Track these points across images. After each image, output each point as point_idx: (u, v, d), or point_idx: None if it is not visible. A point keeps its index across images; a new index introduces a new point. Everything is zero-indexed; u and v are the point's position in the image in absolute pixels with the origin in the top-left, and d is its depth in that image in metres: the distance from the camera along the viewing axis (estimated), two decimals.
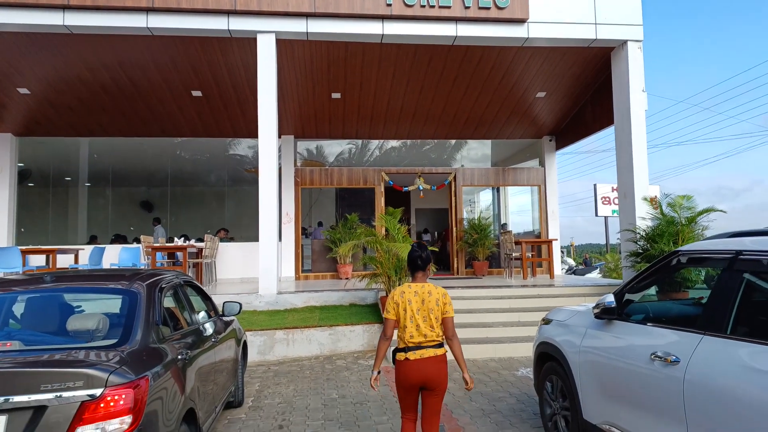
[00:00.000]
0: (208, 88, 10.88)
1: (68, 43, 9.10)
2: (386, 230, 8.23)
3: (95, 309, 3.70)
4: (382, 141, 15.19)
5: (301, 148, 14.83)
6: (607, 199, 30.64)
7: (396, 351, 3.41)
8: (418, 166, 13.77)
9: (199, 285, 5.09)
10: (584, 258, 31.15)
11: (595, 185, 30.55)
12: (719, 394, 2.47)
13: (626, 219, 9.56)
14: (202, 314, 4.81)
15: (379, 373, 3.49)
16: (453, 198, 13.43)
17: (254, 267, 11.17)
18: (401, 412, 3.47)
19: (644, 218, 8.65)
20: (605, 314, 3.45)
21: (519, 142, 14.54)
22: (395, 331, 3.43)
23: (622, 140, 9.82)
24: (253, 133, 10.36)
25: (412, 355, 3.30)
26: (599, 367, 3.48)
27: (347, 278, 11.66)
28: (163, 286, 3.77)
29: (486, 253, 12.81)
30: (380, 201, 13.01)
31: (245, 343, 5.92)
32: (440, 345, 3.36)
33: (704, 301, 3.83)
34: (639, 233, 8.58)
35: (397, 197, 14.17)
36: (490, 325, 8.06)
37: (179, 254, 11.06)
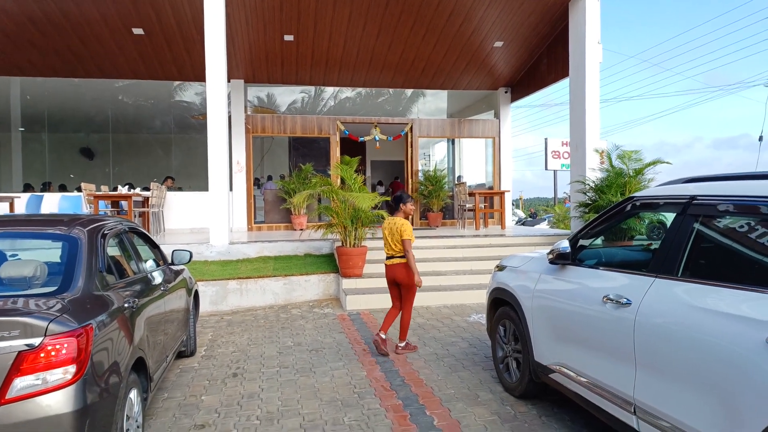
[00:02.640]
0: (149, 26, 10.15)
1: None
2: (342, 180, 8.08)
3: (32, 256, 3.46)
4: (336, 90, 14.81)
5: (251, 95, 14.26)
6: (557, 153, 31.28)
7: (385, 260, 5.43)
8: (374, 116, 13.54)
9: (146, 233, 4.86)
10: (530, 212, 32.07)
11: (546, 139, 31.10)
12: (667, 334, 2.56)
13: (577, 171, 9.76)
14: (150, 263, 4.62)
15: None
16: (409, 149, 13.34)
17: (204, 217, 10.88)
18: (391, 300, 5.53)
19: (594, 169, 8.85)
20: (559, 259, 3.50)
21: (475, 94, 14.47)
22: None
23: (576, 92, 9.90)
24: (199, 76, 9.81)
25: (387, 262, 5.37)
26: (552, 310, 3.57)
27: (302, 229, 11.52)
28: (106, 232, 3.55)
29: (440, 204, 12.90)
30: (335, 151, 12.77)
31: (197, 292, 5.76)
32: (402, 256, 5.23)
33: (654, 246, 3.96)
34: (589, 184, 8.80)
35: (353, 148, 13.95)
36: (443, 274, 8.18)
37: (124, 203, 10.57)
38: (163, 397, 4.31)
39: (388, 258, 5.34)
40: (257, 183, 13.48)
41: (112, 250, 3.83)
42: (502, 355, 4.39)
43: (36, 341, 2.42)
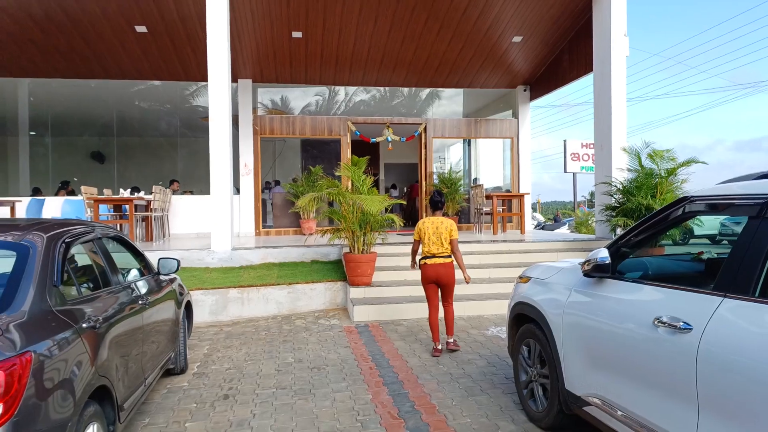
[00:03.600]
0: (152, 23, 9.79)
1: None
2: (352, 182, 7.60)
3: None
4: (350, 94, 14.30)
5: (265, 98, 13.87)
6: (577, 155, 30.50)
7: (421, 259, 5.34)
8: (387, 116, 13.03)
9: (128, 240, 4.40)
10: (555, 215, 31.22)
11: (565, 141, 30.32)
12: (743, 370, 2.00)
13: (602, 171, 9.15)
14: (133, 273, 4.18)
15: (415, 263, 5.59)
16: (423, 150, 12.81)
17: (210, 222, 10.48)
18: (427, 301, 5.44)
19: (622, 170, 8.21)
20: (596, 272, 2.94)
21: (492, 93, 13.88)
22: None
23: (601, 88, 9.30)
24: (206, 76, 9.41)
25: (429, 261, 5.25)
26: (587, 331, 3.01)
27: (310, 234, 11.05)
28: (68, 239, 3.08)
29: (456, 207, 12.33)
30: (346, 152, 12.29)
31: (189, 304, 5.30)
32: (447, 256, 5.27)
33: (707, 256, 3.39)
34: (616, 186, 8.18)
35: (365, 150, 13.42)
36: (458, 282, 7.59)
37: (127, 207, 10.20)
38: (143, 422, 3.84)
39: (428, 257, 5.27)
40: (268, 186, 13.06)
41: (81, 260, 3.38)
42: (526, 379, 3.83)
43: None
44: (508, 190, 13.27)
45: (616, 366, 2.75)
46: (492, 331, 6.24)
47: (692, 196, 2.58)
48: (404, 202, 8.54)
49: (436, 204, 5.48)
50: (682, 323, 2.30)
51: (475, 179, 13.84)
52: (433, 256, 5.22)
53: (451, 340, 5.38)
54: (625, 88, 9.09)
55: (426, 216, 5.44)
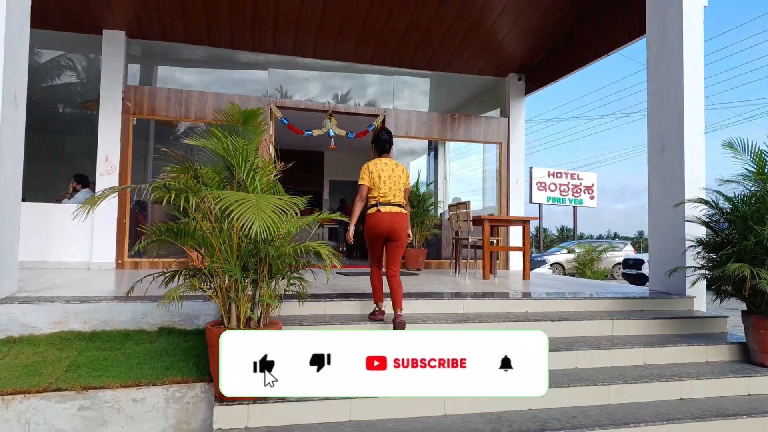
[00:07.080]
0: None
1: None
2: (229, 167, 3.80)
3: None
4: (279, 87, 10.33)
5: (165, 81, 9.68)
6: (543, 184, 28.65)
7: (372, 207, 4.21)
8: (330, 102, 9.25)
9: None
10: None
11: (530, 168, 28.07)
12: None
13: (665, 185, 5.73)
14: None
15: (355, 228, 4.35)
16: None
17: (54, 242, 6.64)
18: (371, 262, 4.32)
19: (737, 180, 4.70)
20: None
21: (471, 85, 10.29)
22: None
23: (663, 57, 5.95)
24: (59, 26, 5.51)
25: (383, 209, 4.18)
26: None
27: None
28: None
29: (424, 236, 8.67)
30: (268, 148, 8.44)
31: None
32: (401, 206, 4.26)
33: None
34: (720, 206, 4.69)
35: (298, 156, 9.69)
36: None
37: None
38: None
39: (383, 204, 4.15)
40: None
41: None
42: None
43: None
44: (491, 214, 9.73)
45: None
46: None
47: None
48: (345, 219, 4.66)
49: (385, 145, 4.35)
50: None
51: (456, 198, 10.23)
52: (389, 203, 4.15)
53: (401, 313, 4.03)
54: (702, 54, 5.79)
55: (382, 157, 4.28)
